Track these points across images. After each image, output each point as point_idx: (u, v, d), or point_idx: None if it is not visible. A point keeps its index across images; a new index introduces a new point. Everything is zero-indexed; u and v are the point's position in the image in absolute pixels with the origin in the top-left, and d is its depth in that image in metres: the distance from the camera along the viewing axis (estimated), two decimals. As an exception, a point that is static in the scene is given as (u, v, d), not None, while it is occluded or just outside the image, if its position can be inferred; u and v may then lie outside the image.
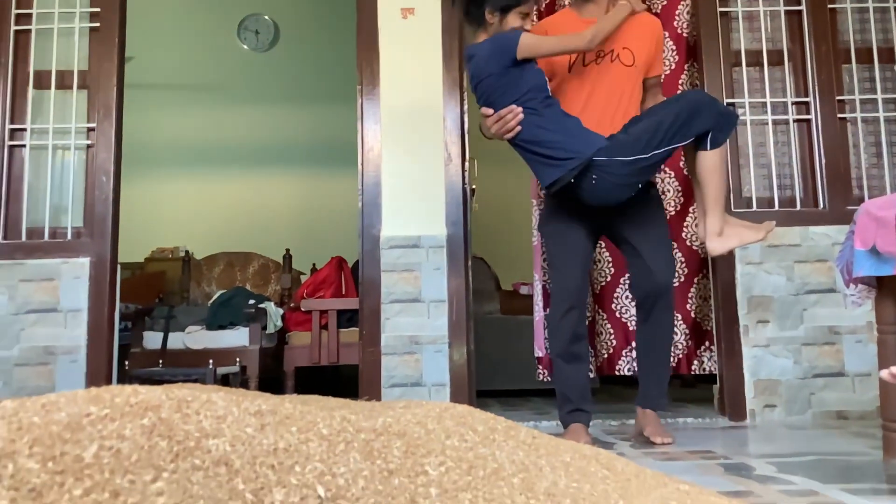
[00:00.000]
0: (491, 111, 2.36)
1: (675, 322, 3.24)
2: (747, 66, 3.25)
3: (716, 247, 2.35)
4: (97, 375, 2.97)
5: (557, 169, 2.30)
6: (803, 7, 3.25)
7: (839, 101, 3.20)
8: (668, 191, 3.34)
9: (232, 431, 0.85)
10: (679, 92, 3.11)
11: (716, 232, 2.34)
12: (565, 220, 2.49)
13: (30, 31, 3.25)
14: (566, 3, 3.45)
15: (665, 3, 3.42)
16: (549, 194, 2.49)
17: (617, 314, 3.37)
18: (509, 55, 2.31)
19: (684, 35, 3.39)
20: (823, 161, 3.15)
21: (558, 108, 2.38)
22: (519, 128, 2.33)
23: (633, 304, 3.31)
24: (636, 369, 3.29)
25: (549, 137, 2.31)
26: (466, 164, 3.25)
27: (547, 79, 2.43)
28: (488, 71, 2.33)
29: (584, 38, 2.36)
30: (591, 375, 3.37)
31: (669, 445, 2.35)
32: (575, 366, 2.46)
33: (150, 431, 0.79)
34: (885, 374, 1.48)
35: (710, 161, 2.32)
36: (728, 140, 2.36)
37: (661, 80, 2.76)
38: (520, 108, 2.32)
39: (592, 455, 1.23)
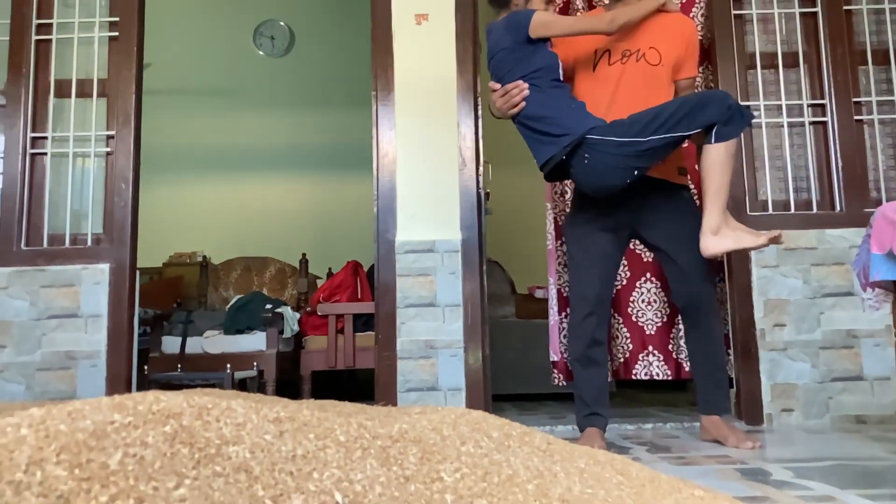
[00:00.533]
0: (498, 85, 2.37)
1: (680, 326, 3.24)
2: (762, 68, 3.24)
3: (709, 245, 2.25)
4: (117, 380, 3.01)
5: (551, 146, 2.29)
6: (818, 9, 3.24)
7: (855, 102, 3.18)
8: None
9: (251, 438, 0.87)
10: None
11: (711, 230, 2.24)
12: (590, 224, 2.48)
13: (50, 40, 3.31)
14: (578, 5, 3.45)
15: (680, 4, 3.42)
16: (575, 195, 2.49)
17: (633, 318, 3.36)
18: (522, 31, 2.31)
19: (699, 38, 3.39)
20: (840, 163, 3.13)
21: (567, 92, 2.37)
22: (523, 104, 2.33)
23: (650, 307, 3.34)
24: (655, 374, 3.30)
25: (546, 113, 2.31)
26: (481, 168, 3.26)
27: (568, 75, 2.43)
28: (501, 45, 2.35)
29: (603, 20, 2.33)
30: (608, 380, 3.37)
31: (690, 451, 2.35)
32: (592, 370, 2.46)
33: (172, 439, 0.81)
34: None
35: (713, 155, 2.23)
36: (738, 138, 2.30)
37: (695, 83, 2.69)
38: (526, 84, 2.32)
39: (607, 461, 1.24)
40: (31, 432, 0.73)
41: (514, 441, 1.16)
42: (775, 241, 2.23)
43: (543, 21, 2.31)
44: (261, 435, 0.88)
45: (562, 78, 2.39)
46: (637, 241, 3.01)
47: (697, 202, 3.31)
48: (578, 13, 3.45)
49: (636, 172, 2.26)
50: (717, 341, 2.52)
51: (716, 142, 2.23)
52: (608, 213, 2.44)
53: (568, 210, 3.46)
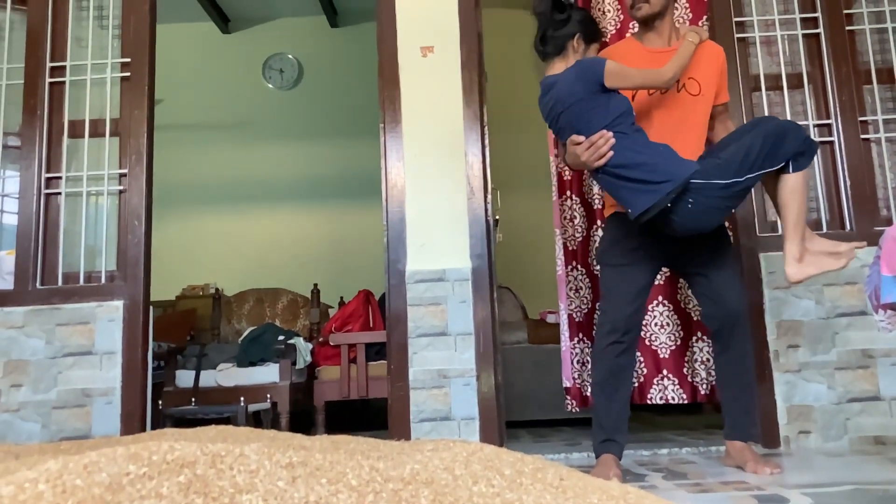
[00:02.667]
0: (581, 138, 2.29)
1: (701, 347, 3.23)
2: (767, 89, 3.25)
3: (794, 273, 2.27)
4: (132, 416, 3.03)
5: (652, 194, 2.20)
6: (821, 30, 3.26)
7: (861, 121, 3.19)
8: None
9: (265, 486, 0.88)
10: (752, 119, 2.99)
11: (795, 257, 2.27)
12: (629, 254, 2.47)
13: (64, 82, 3.38)
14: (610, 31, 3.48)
15: (707, 30, 3.45)
16: (634, 221, 2.37)
17: (647, 342, 3.35)
18: (597, 80, 2.27)
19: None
20: (848, 182, 3.13)
21: (645, 135, 2.34)
22: (611, 153, 2.26)
23: (663, 330, 3.33)
24: (670, 398, 3.28)
25: (641, 160, 2.24)
26: (489, 195, 3.28)
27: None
28: (576, 96, 2.29)
29: (664, 76, 2.34)
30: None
31: (707, 477, 2.33)
32: (615, 398, 2.44)
33: (186, 489, 0.82)
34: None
35: (792, 184, 2.28)
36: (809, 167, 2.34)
37: (729, 108, 2.75)
38: (610, 133, 2.26)
39: (620, 495, 1.23)
40: (48, 488, 0.74)
41: (527, 478, 1.16)
42: (855, 250, 2.30)
43: (617, 72, 2.29)
44: (274, 482, 0.89)
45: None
46: None
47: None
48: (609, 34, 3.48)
49: (732, 211, 2.31)
50: (748, 366, 2.52)
51: (793, 171, 2.27)
52: (652, 243, 2.45)
53: (579, 234, 3.48)
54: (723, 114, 2.66)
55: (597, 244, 3.28)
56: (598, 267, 2.79)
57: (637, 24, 2.68)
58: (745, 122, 3.15)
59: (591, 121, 2.28)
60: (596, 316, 3.23)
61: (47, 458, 0.92)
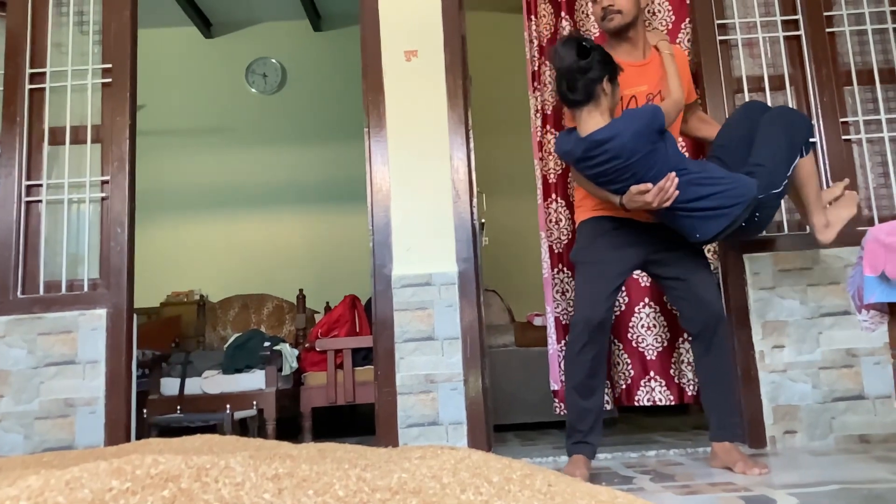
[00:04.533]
0: (648, 186, 2.29)
1: (687, 348, 3.24)
2: (749, 91, 3.27)
3: (827, 238, 2.59)
4: (116, 426, 2.99)
5: (723, 218, 2.33)
6: (802, 32, 3.29)
7: (843, 122, 3.22)
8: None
9: (250, 498, 0.87)
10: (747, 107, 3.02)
11: (824, 225, 2.57)
12: (606, 254, 2.50)
13: (44, 89, 3.34)
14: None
15: (666, 31, 3.47)
16: (591, 224, 2.54)
17: (633, 343, 3.36)
18: (659, 130, 2.30)
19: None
20: (831, 183, 3.15)
21: (693, 161, 2.45)
22: (676, 192, 2.31)
23: (650, 332, 3.33)
24: (657, 399, 3.29)
25: (705, 192, 2.32)
26: (474, 199, 3.28)
27: None
28: (642, 151, 2.27)
29: (680, 99, 2.49)
30: (609, 407, 3.36)
31: (695, 479, 2.33)
32: (590, 401, 2.47)
33: (171, 503, 0.81)
34: (900, 405, 1.47)
35: (808, 166, 2.52)
36: None
37: (698, 102, 2.96)
38: (673, 174, 2.29)
39: (609, 500, 1.23)
40: (28, 505, 0.73)
41: (515, 485, 1.16)
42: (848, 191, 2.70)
43: (667, 114, 2.37)
44: (260, 494, 0.88)
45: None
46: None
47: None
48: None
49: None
50: (728, 368, 2.56)
51: (806, 154, 2.51)
52: (627, 247, 2.49)
53: (564, 237, 3.48)
54: (695, 107, 2.83)
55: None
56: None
57: (609, 36, 2.64)
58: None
59: (654, 167, 2.30)
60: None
61: (29, 474, 0.90)
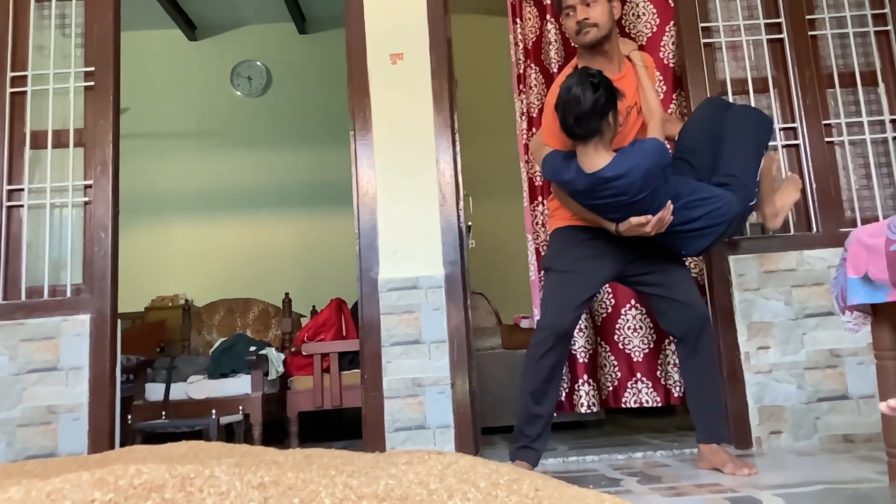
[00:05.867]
0: (649, 217, 2.32)
1: (673, 349, 3.25)
2: (734, 94, 3.30)
3: (776, 224, 2.66)
4: (100, 432, 2.96)
5: (708, 237, 2.42)
6: (785, 35, 3.31)
7: (825, 125, 3.24)
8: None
9: (235, 508, 0.86)
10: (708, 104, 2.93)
11: (773, 214, 2.64)
12: (579, 264, 2.50)
13: (25, 92, 3.30)
14: (551, 38, 3.51)
15: (650, 34, 3.49)
16: (568, 233, 2.55)
17: (620, 345, 3.37)
18: (668, 165, 2.33)
19: (671, 65, 3.45)
20: (814, 185, 3.18)
21: (682, 178, 2.45)
22: (671, 217, 2.36)
23: (636, 334, 3.34)
24: (644, 401, 3.30)
25: (695, 215, 2.38)
26: (461, 202, 3.27)
27: None
28: (647, 189, 2.27)
29: (663, 119, 2.53)
30: (596, 409, 3.37)
31: (682, 480, 2.34)
32: (541, 405, 2.46)
33: (154, 514, 0.80)
34: (883, 407, 1.48)
35: (766, 161, 2.57)
36: None
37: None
38: (670, 203, 2.34)
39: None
40: (8, 518, 0.71)
41: (502, 490, 1.15)
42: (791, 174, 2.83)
43: (658, 136, 2.42)
44: (245, 503, 0.87)
45: None
46: None
47: None
48: (551, 46, 3.50)
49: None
50: (714, 369, 2.56)
51: (766, 152, 2.57)
52: (608, 256, 2.49)
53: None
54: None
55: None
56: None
57: (583, 50, 2.58)
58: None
59: (658, 198, 2.33)
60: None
61: (10, 484, 0.89)
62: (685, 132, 2.63)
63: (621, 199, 2.30)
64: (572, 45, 2.95)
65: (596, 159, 2.31)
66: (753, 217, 3.07)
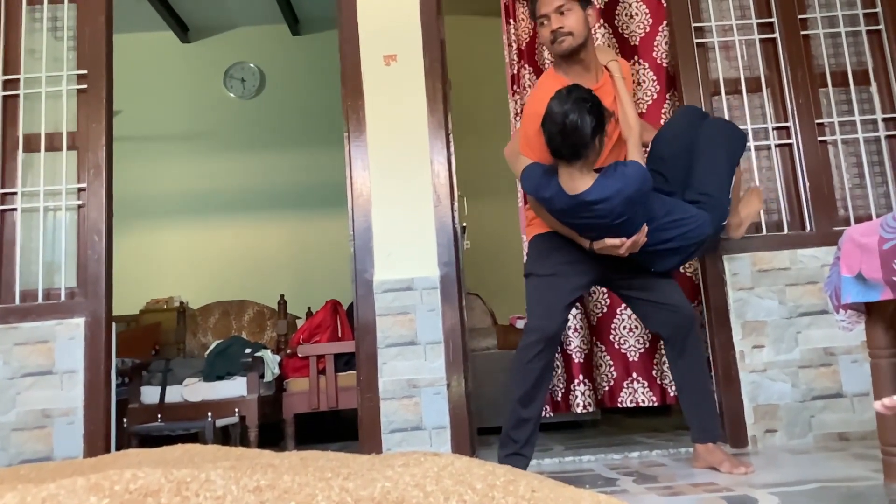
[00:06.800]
0: (622, 241, 2.33)
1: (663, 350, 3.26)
2: (727, 93, 3.31)
3: (739, 234, 2.70)
4: (95, 436, 2.95)
5: (681, 255, 2.48)
6: (777, 35, 3.32)
7: (818, 124, 3.26)
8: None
9: (231, 512, 0.86)
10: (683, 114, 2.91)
11: (738, 224, 2.67)
12: (561, 268, 2.49)
13: (18, 95, 3.29)
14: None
15: (643, 34, 3.50)
16: (547, 237, 2.54)
17: (616, 345, 3.38)
18: (649, 189, 2.34)
19: (664, 65, 3.46)
20: (807, 184, 3.19)
21: (659, 196, 2.45)
22: (645, 239, 2.38)
23: (632, 334, 3.35)
24: (640, 401, 3.31)
25: (668, 236, 2.42)
26: (455, 203, 3.28)
27: None
28: (627, 214, 2.29)
29: (641, 133, 2.51)
30: (592, 409, 3.37)
31: (678, 480, 2.35)
32: (529, 408, 2.46)
33: (149, 519, 0.79)
34: (878, 405, 1.49)
35: (735, 177, 2.58)
36: None
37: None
38: (645, 226, 2.36)
39: (593, 505, 1.23)
40: (3, 525, 0.71)
41: (499, 491, 1.15)
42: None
43: (637, 152, 2.42)
44: (241, 507, 0.87)
45: None
46: None
47: None
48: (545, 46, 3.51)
49: None
50: (704, 368, 2.58)
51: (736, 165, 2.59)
52: (583, 262, 2.49)
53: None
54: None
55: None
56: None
57: (560, 59, 2.54)
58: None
59: (637, 222, 2.35)
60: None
61: (4, 490, 0.89)
62: (659, 141, 2.62)
63: (601, 221, 2.32)
64: None
65: (579, 181, 2.30)
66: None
